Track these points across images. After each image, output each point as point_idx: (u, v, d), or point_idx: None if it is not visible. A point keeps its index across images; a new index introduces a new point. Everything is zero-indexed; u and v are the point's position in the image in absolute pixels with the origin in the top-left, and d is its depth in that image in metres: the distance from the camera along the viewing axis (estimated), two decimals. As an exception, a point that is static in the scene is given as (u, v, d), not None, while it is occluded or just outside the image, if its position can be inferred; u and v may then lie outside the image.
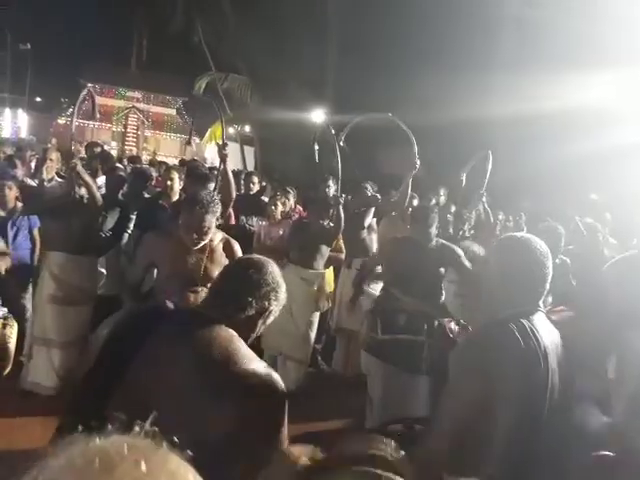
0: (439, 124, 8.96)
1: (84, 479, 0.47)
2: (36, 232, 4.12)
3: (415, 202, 5.01)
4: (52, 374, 3.62)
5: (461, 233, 4.76)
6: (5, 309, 2.65)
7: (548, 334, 1.59)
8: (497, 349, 1.54)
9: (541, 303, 1.65)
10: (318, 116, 13.68)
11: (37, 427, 2.65)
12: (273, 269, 1.52)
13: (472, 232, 4.82)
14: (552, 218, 4.81)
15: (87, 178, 3.67)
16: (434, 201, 5.52)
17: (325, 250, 4.31)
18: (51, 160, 4.87)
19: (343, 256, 4.70)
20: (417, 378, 3.31)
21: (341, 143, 4.48)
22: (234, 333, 1.42)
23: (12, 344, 2.47)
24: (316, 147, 4.62)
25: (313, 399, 4.04)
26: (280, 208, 5.23)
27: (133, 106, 23.64)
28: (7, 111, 20.56)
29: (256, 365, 1.37)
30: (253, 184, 5.58)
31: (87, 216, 3.75)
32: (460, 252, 3.56)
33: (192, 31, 18.32)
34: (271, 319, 1.53)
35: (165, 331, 1.39)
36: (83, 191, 3.71)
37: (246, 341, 1.45)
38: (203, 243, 2.68)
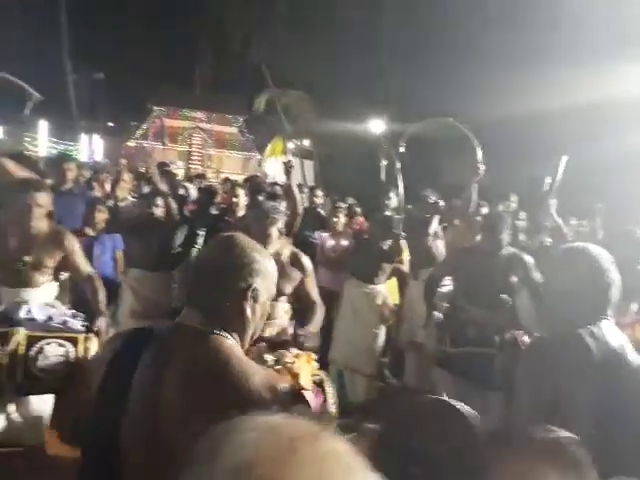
0: (502, 122, 8.72)
1: (273, 456, 0.49)
2: (119, 253, 4.32)
3: (484, 210, 4.86)
4: None
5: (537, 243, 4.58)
6: (87, 324, 2.80)
7: (616, 341, 1.57)
8: (566, 354, 1.53)
9: (610, 311, 1.62)
10: (377, 126, 13.66)
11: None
12: (239, 242, 1.27)
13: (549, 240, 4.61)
14: (628, 220, 4.50)
15: (163, 187, 3.89)
16: (501, 207, 5.34)
17: (386, 267, 4.29)
18: (124, 181, 5.16)
19: (405, 267, 4.64)
20: (489, 392, 3.19)
21: (401, 149, 4.44)
22: (223, 340, 1.19)
23: None
24: (384, 162, 4.58)
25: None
26: (342, 220, 5.25)
27: (197, 126, 24.58)
28: (83, 137, 21.96)
29: (254, 380, 1.13)
30: (317, 197, 5.63)
31: (163, 233, 3.96)
32: (530, 261, 3.42)
33: (250, 49, 18.90)
34: (264, 297, 1.28)
35: (148, 355, 1.18)
36: (159, 211, 3.91)
37: (245, 339, 1.26)
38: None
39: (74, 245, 3.09)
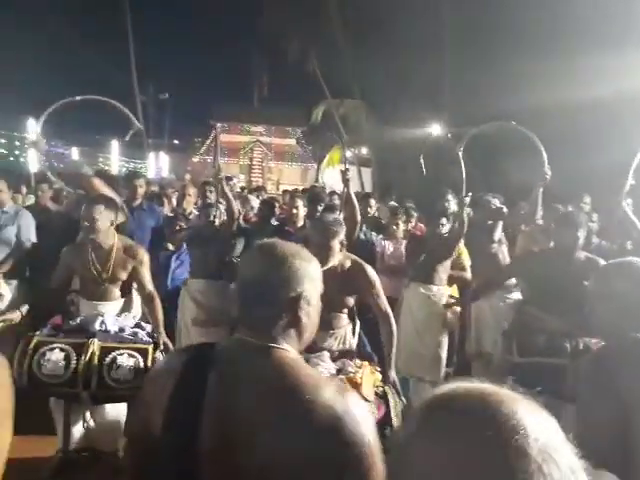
0: (564, 128, 8.33)
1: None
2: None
3: (558, 211, 4.62)
4: None
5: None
6: (154, 335, 2.90)
7: None
8: (631, 364, 1.49)
9: None
10: (436, 130, 13.43)
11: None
12: (277, 252, 1.22)
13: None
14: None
15: (227, 192, 4.00)
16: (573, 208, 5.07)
17: (446, 263, 4.16)
18: (189, 195, 5.35)
19: (468, 275, 4.50)
20: (560, 405, 3.02)
21: (459, 153, 4.33)
22: (286, 354, 1.17)
23: None
24: (421, 161, 4.47)
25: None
26: (402, 227, 5.18)
27: (257, 140, 25.20)
28: (151, 154, 23.08)
29: (327, 393, 1.09)
30: (370, 207, 5.55)
31: (221, 243, 4.07)
32: None
33: (307, 61, 19.16)
34: (315, 298, 1.24)
35: (216, 373, 1.16)
36: (218, 221, 4.04)
37: (303, 344, 1.25)
38: (327, 267, 2.62)
39: (145, 260, 3.21)
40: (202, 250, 4.05)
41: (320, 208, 4.39)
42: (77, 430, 2.95)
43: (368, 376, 2.40)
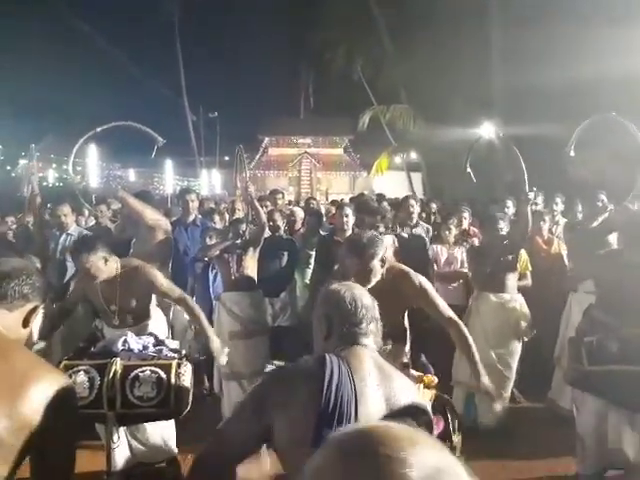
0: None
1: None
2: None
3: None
4: None
5: None
6: (179, 350, 2.89)
7: None
8: None
9: None
10: (487, 130, 13.04)
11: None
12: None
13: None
14: None
15: (257, 205, 4.02)
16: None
17: (514, 267, 3.98)
18: (239, 210, 5.42)
19: (528, 281, 4.27)
20: (636, 416, 2.78)
21: (571, 153, 4.09)
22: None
23: (187, 383, 2.66)
24: (468, 169, 4.25)
25: (515, 437, 3.69)
26: (454, 231, 5.02)
27: (305, 152, 25.40)
28: (203, 172, 23.75)
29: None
30: (412, 209, 5.27)
31: (255, 254, 4.10)
32: None
33: (351, 70, 19.18)
34: None
35: (358, 377, 1.38)
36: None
37: None
38: (373, 281, 2.50)
39: (152, 273, 3.19)
40: (237, 261, 4.06)
41: (369, 218, 4.32)
42: (121, 451, 2.97)
43: (425, 389, 2.29)
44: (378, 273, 2.50)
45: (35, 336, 1.44)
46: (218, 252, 4.07)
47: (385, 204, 5.42)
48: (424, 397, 2.18)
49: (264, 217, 4.14)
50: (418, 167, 18.28)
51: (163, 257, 4.10)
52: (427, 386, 2.31)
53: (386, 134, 18.36)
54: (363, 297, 1.58)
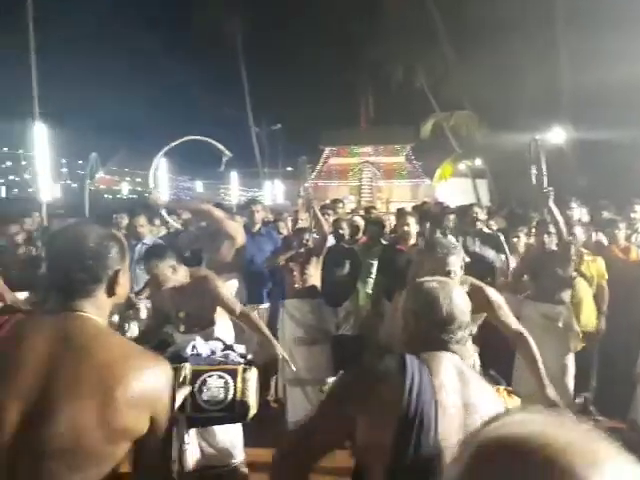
0: None
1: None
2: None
3: None
4: (310, 410, 3.89)
5: None
6: (246, 355, 2.94)
7: None
8: None
9: None
10: (556, 136, 12.53)
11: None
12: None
13: None
14: None
15: (319, 214, 4.07)
16: None
17: (566, 275, 3.79)
18: (302, 220, 5.50)
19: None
20: None
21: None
22: None
23: (253, 388, 2.71)
24: (533, 171, 4.07)
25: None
26: (523, 239, 4.84)
27: (366, 161, 25.38)
28: (267, 183, 24.28)
29: None
30: (477, 215, 5.12)
31: (317, 262, 4.14)
32: None
33: (413, 78, 19.01)
34: None
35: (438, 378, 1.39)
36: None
37: None
38: None
39: (216, 284, 3.26)
40: (299, 268, 4.12)
41: (432, 226, 4.25)
42: (191, 453, 3.06)
43: (508, 400, 2.20)
44: (458, 277, 2.46)
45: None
46: (283, 261, 4.16)
47: (449, 212, 5.31)
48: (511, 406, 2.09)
49: (326, 226, 4.19)
50: (484, 174, 17.79)
51: (239, 265, 4.29)
52: (509, 397, 2.22)
53: (449, 141, 18.03)
54: (457, 297, 1.50)
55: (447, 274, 2.41)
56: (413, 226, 4.44)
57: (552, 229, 3.84)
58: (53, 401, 1.14)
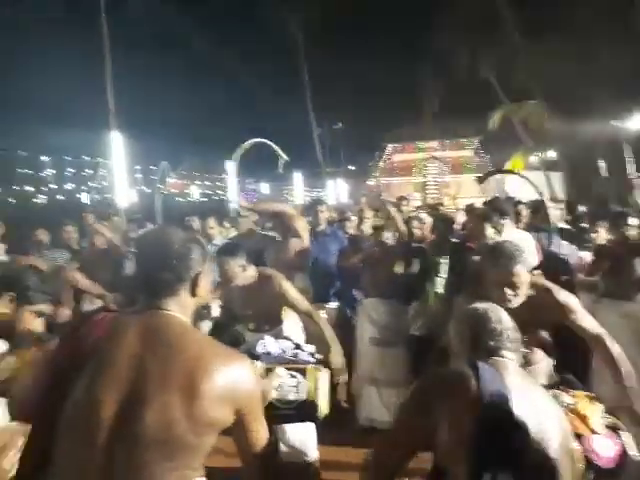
0: None
1: None
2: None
3: None
4: (384, 410, 3.88)
5: None
6: (316, 355, 2.94)
7: None
8: None
9: None
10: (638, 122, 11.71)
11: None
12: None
13: None
14: None
15: (394, 213, 4.02)
16: None
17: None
18: (367, 218, 5.48)
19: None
20: None
21: None
22: None
23: (324, 387, 2.70)
24: (602, 164, 3.78)
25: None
26: (603, 234, 4.55)
27: (431, 156, 24.90)
28: (329, 182, 24.39)
29: None
30: (550, 209, 4.85)
31: (393, 262, 4.06)
32: None
33: (479, 69, 18.43)
34: None
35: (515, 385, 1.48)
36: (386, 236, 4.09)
37: None
38: (518, 301, 2.34)
39: (283, 284, 3.27)
40: (374, 270, 4.08)
41: (503, 221, 4.08)
42: None
43: (590, 406, 2.05)
44: (525, 285, 2.33)
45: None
46: (357, 260, 4.18)
47: (521, 207, 5.09)
48: (594, 413, 1.96)
49: (402, 225, 4.14)
50: (557, 166, 16.93)
51: (304, 265, 4.35)
52: (591, 402, 2.08)
53: (519, 133, 17.31)
54: (505, 317, 1.66)
55: (513, 285, 2.31)
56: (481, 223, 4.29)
57: (634, 221, 3.58)
58: (144, 394, 1.22)
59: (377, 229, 4.36)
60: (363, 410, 3.98)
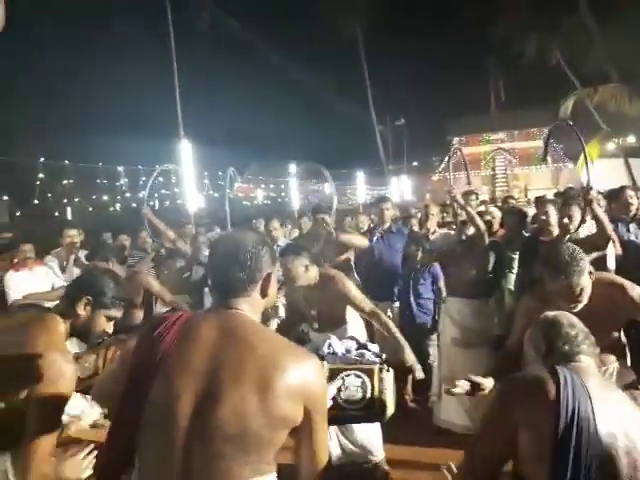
0: None
1: None
2: (441, 283, 4.43)
3: None
4: (463, 413, 3.77)
5: None
6: (381, 355, 2.89)
7: None
8: None
9: None
10: None
11: (446, 463, 2.72)
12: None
13: None
14: None
15: (468, 208, 3.89)
16: None
17: None
18: (432, 215, 5.34)
19: None
20: None
21: None
22: None
23: (389, 388, 2.65)
24: None
25: None
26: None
27: (499, 148, 24.05)
28: (393, 180, 24.12)
29: None
30: (631, 199, 4.47)
31: (475, 259, 3.92)
32: None
33: (548, 56, 17.58)
34: None
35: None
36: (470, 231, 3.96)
37: None
38: (581, 305, 2.23)
39: (345, 283, 3.23)
40: (456, 268, 3.98)
41: (577, 213, 3.85)
42: (333, 449, 3.11)
43: None
44: (587, 291, 2.19)
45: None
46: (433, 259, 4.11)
47: (598, 197, 4.78)
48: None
49: (479, 220, 3.99)
50: (638, 152, 15.82)
51: (348, 267, 4.34)
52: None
53: (594, 118, 16.33)
54: (576, 321, 1.65)
55: (572, 297, 2.17)
56: (552, 215, 4.07)
57: None
58: (220, 389, 1.26)
59: (463, 224, 4.19)
60: (441, 410, 3.89)
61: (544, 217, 4.10)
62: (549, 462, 1.32)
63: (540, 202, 5.48)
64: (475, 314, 3.88)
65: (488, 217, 4.74)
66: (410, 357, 3.01)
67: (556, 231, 4.01)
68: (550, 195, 8.82)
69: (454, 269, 4.02)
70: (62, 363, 1.68)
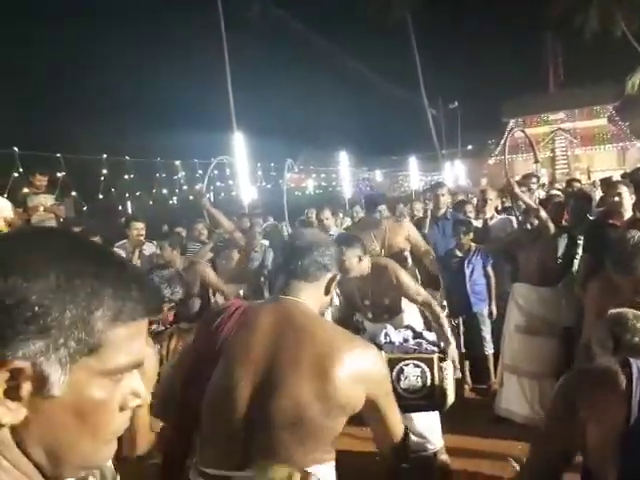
0: None
1: None
2: (489, 269, 4.37)
3: None
4: (524, 403, 3.67)
5: None
6: (438, 344, 2.82)
7: None
8: None
9: None
10: None
11: (506, 453, 2.65)
12: None
13: None
14: None
15: (525, 199, 3.77)
16: None
17: None
18: (490, 200, 5.17)
19: None
20: None
21: None
22: None
23: (449, 377, 2.59)
24: None
25: None
26: None
27: (559, 128, 22.99)
28: (446, 164, 23.58)
29: None
30: None
31: (542, 246, 3.79)
32: None
33: (612, 27, 16.57)
34: None
35: None
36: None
37: None
38: None
39: (397, 271, 3.17)
40: (525, 254, 3.87)
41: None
42: None
43: None
44: None
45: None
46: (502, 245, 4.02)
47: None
48: None
49: (541, 210, 3.84)
50: None
51: (404, 260, 4.29)
52: None
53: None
54: None
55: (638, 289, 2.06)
56: (626, 197, 3.82)
57: None
58: (278, 377, 1.28)
59: (527, 213, 4.06)
60: (502, 399, 3.80)
61: (617, 198, 3.85)
62: (619, 455, 1.28)
63: (609, 184, 5.18)
64: (542, 301, 3.75)
65: (559, 199, 4.57)
66: (453, 353, 2.93)
67: (628, 214, 3.77)
68: (617, 177, 8.34)
69: (521, 258, 3.91)
70: (146, 348, 1.74)
